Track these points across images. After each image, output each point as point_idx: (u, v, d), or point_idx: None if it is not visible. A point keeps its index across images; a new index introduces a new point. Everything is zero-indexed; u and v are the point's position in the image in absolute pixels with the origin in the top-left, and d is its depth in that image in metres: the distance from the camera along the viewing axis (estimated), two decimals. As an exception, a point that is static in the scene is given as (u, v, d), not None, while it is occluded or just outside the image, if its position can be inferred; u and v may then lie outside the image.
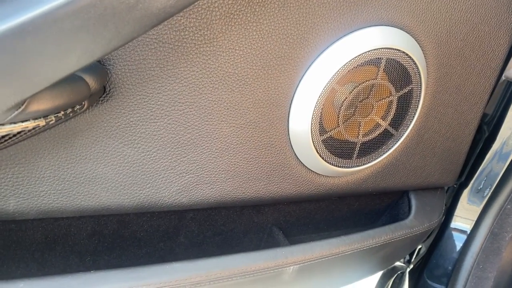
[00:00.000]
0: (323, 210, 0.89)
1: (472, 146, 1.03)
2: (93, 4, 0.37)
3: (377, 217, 0.97)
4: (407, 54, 0.69)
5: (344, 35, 0.65)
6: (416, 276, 1.23)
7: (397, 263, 1.28)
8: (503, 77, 0.92)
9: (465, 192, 1.10)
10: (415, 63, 0.70)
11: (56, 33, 0.37)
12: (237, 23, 0.57)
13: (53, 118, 0.47)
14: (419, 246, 1.24)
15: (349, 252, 0.80)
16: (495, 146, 1.04)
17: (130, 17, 0.40)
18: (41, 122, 0.46)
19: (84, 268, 0.70)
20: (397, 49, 0.68)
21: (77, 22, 0.37)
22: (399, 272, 1.27)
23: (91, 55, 0.41)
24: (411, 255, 1.26)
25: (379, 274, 1.25)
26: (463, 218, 1.12)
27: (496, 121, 1.05)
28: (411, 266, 1.27)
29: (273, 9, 0.58)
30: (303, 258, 0.74)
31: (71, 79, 0.46)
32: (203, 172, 0.66)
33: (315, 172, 0.76)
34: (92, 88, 0.50)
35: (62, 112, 0.48)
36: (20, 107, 0.41)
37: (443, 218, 1.15)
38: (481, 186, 1.08)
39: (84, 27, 0.38)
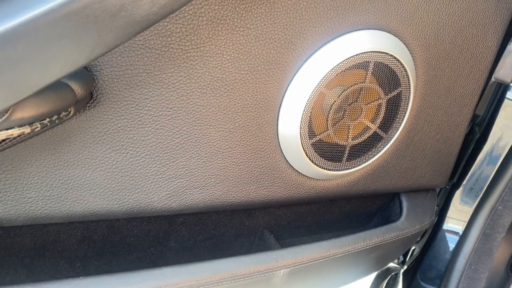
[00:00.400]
0: (314, 213, 0.89)
1: (464, 147, 1.04)
2: (75, 13, 0.37)
3: (369, 219, 0.97)
4: (395, 57, 0.69)
5: (332, 39, 0.65)
6: (409, 278, 1.24)
7: (391, 265, 1.28)
8: (492, 79, 0.93)
9: (457, 193, 1.11)
10: (403, 66, 0.70)
11: (38, 41, 0.37)
12: (224, 28, 0.57)
13: (39, 126, 0.47)
14: (413, 248, 1.24)
15: (340, 255, 0.80)
16: (486, 147, 1.04)
17: (113, 25, 0.40)
18: (26, 130, 0.46)
19: (74, 274, 0.69)
20: (385, 53, 0.68)
21: (60, 30, 0.37)
22: (393, 274, 1.28)
23: (74, 62, 0.41)
24: (405, 256, 1.26)
25: (373, 275, 1.26)
26: (456, 219, 1.13)
27: (487, 123, 1.05)
28: (405, 267, 1.28)
29: (260, 14, 0.59)
30: (293, 261, 0.74)
31: (56, 86, 0.46)
32: (192, 176, 0.66)
33: (305, 176, 0.76)
34: (78, 95, 0.50)
35: (48, 119, 0.48)
36: (4, 115, 0.41)
37: (436, 220, 1.15)
38: (473, 187, 1.08)
39: (66, 35, 0.38)
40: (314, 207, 0.88)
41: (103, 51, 0.41)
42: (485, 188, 1.06)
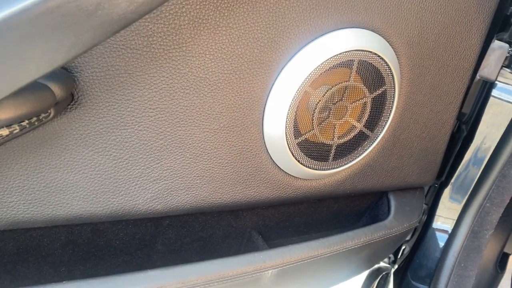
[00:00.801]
0: (302, 213, 0.88)
1: (452, 145, 1.04)
2: (49, 12, 0.36)
3: (357, 219, 0.97)
4: (379, 56, 0.69)
5: (316, 38, 0.65)
6: (400, 277, 1.24)
7: (382, 264, 1.28)
8: (478, 76, 0.93)
9: (446, 191, 1.11)
10: (387, 65, 0.71)
11: (12, 41, 0.37)
12: (206, 28, 0.57)
13: (17, 127, 0.47)
14: (403, 247, 1.25)
15: (328, 254, 0.80)
16: (474, 145, 1.05)
17: (90, 24, 0.39)
18: (4, 132, 0.45)
19: (58, 278, 0.69)
20: (369, 51, 0.68)
21: (34, 30, 0.37)
22: (384, 273, 1.28)
23: (51, 63, 0.40)
24: (395, 255, 1.27)
25: (364, 275, 1.26)
26: (445, 217, 1.13)
27: (473, 120, 1.06)
28: (396, 266, 1.28)
29: (242, 13, 0.58)
30: (281, 262, 0.74)
31: (35, 87, 0.45)
32: (177, 178, 0.66)
33: (292, 175, 0.76)
34: (58, 96, 0.50)
35: (27, 121, 0.48)
36: (-21, 117, 0.40)
37: (426, 218, 1.15)
38: (461, 185, 1.09)
39: (41, 35, 0.38)
40: (302, 207, 0.88)
41: (80, 51, 0.41)
42: (472, 186, 1.07)
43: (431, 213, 1.15)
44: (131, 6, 0.40)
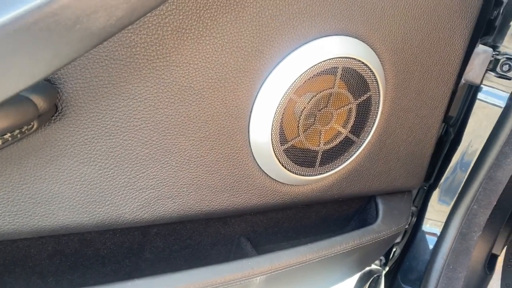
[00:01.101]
0: (291, 218, 0.89)
1: (440, 148, 1.05)
2: (27, 27, 0.37)
3: (346, 223, 0.98)
4: (363, 63, 0.70)
5: (299, 46, 0.66)
6: (390, 279, 1.24)
7: (373, 266, 1.29)
8: (463, 81, 0.94)
9: (435, 194, 1.12)
10: (371, 71, 0.71)
11: (-10, 56, 0.37)
12: (189, 38, 0.58)
13: (-1, 141, 0.47)
14: (394, 249, 1.25)
15: (317, 260, 0.80)
16: (461, 147, 1.06)
17: (69, 38, 0.40)
18: (-14, 145, 0.45)
19: (46, 289, 0.68)
20: (353, 58, 0.69)
21: (13, 45, 0.37)
22: (375, 276, 1.29)
23: (31, 76, 0.40)
24: (386, 257, 1.27)
25: (355, 278, 1.26)
26: (434, 220, 1.14)
27: (460, 123, 1.07)
28: (387, 268, 1.29)
29: (226, 23, 0.59)
30: (270, 268, 0.74)
31: (16, 101, 0.45)
32: (164, 186, 0.66)
33: (279, 182, 0.76)
34: (41, 108, 0.50)
35: (9, 134, 0.48)
36: (-40, 132, 0.41)
37: (415, 220, 1.16)
38: (449, 188, 1.10)
39: (20, 49, 0.38)
40: (290, 212, 0.88)
41: (61, 64, 0.41)
42: (460, 188, 1.08)
43: (420, 215, 1.16)
44: (110, 20, 0.40)
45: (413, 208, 1.15)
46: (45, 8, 0.37)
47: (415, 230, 1.18)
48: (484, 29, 0.91)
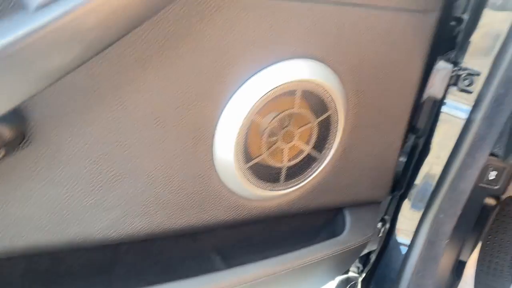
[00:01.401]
0: (260, 231, 0.92)
1: (411, 158, 1.10)
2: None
3: (316, 234, 1.01)
4: (319, 85, 0.73)
5: (259, 71, 0.69)
6: (365, 286, 1.28)
7: (351, 273, 1.33)
8: (425, 96, 0.99)
9: (406, 203, 1.16)
10: (328, 92, 0.75)
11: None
12: (151, 66, 0.61)
13: (-34, 170, 0.49)
14: (371, 256, 1.29)
15: (285, 272, 0.83)
16: (429, 158, 1.10)
17: (26, 78, 0.43)
18: (-48, 175, 0.48)
19: (19, 307, 0.71)
20: (311, 81, 0.72)
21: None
22: (352, 283, 1.32)
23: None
24: (364, 264, 1.31)
25: (333, 285, 1.30)
26: (405, 229, 1.18)
27: (427, 135, 1.11)
28: (363, 275, 1.32)
29: (186, 51, 0.62)
30: (238, 281, 0.77)
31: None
32: (131, 206, 0.69)
33: (246, 198, 0.79)
34: (7, 137, 0.53)
35: (-24, 163, 0.51)
36: None
37: (388, 229, 1.20)
38: (418, 197, 1.14)
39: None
40: (260, 226, 0.91)
41: (19, 100, 0.44)
42: (428, 198, 1.12)
43: (393, 224, 1.20)
44: (65, 59, 0.44)
45: (387, 217, 1.19)
46: (2, 51, 0.40)
47: (388, 238, 1.22)
48: (449, 44, 0.95)
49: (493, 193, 1.13)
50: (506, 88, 0.93)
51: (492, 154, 1.07)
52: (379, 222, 1.19)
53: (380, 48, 0.79)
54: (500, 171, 1.10)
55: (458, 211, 1.07)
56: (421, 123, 1.12)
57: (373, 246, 1.21)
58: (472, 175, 1.02)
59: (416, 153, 1.12)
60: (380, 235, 1.20)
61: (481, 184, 1.09)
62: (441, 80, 0.96)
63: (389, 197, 1.16)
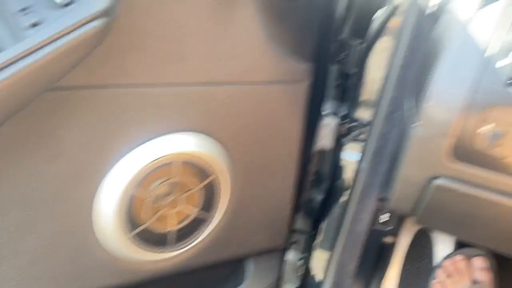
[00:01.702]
0: (165, 287, 0.96)
1: (323, 201, 1.18)
2: None
3: (222, 285, 1.06)
4: (196, 156, 0.80)
5: (137, 146, 0.75)
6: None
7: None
8: (318, 147, 1.08)
9: (316, 244, 1.24)
10: (206, 161, 0.81)
11: None
12: (22, 156, 0.66)
13: None
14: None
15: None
16: (334, 200, 1.18)
17: None
18: None
19: None
20: (186, 153, 0.79)
21: None
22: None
23: None
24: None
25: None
26: (319, 267, 1.25)
27: (331, 181, 1.19)
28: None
29: (58, 137, 0.67)
30: None
31: None
32: (14, 284, 0.72)
33: (138, 262, 0.84)
34: None
35: None
36: None
37: (305, 268, 1.27)
38: (327, 238, 1.21)
39: None
40: (163, 283, 0.96)
41: None
42: (334, 239, 1.19)
43: (307, 263, 1.26)
44: None
45: (304, 255, 1.26)
46: None
47: (304, 277, 1.29)
48: (339, 96, 1.05)
49: (389, 233, 1.22)
50: (384, 139, 1.03)
51: (381, 199, 1.16)
52: (298, 260, 1.26)
53: (258, 116, 0.87)
54: (393, 213, 1.19)
55: (358, 251, 1.14)
56: (326, 167, 1.21)
57: (292, 286, 1.27)
58: (365, 219, 1.10)
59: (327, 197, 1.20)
60: (299, 274, 1.27)
61: (374, 227, 1.18)
62: (328, 134, 1.06)
63: (304, 238, 1.24)
